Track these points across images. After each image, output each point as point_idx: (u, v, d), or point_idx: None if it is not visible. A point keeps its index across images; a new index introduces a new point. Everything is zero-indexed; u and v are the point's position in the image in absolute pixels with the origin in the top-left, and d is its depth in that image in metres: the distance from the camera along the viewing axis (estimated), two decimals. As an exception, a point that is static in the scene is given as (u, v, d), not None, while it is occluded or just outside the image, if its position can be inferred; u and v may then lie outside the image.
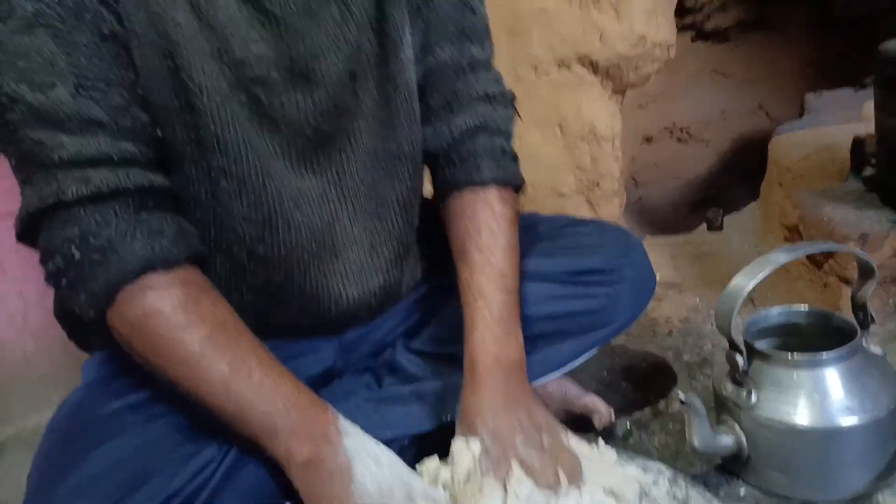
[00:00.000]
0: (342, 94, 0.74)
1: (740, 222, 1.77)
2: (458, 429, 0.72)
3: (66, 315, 0.79)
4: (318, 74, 0.72)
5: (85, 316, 0.64)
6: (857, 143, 1.29)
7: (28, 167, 0.63)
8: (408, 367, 0.84)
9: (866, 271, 0.83)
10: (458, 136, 0.82)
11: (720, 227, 1.78)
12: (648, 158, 2.13)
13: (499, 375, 0.73)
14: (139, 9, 0.64)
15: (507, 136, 0.86)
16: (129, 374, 0.73)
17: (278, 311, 0.78)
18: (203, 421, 0.68)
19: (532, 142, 1.54)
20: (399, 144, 0.80)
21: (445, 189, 0.83)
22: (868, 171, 1.24)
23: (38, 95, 0.60)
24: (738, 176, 1.99)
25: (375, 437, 0.70)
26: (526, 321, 0.80)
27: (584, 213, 1.59)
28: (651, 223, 1.94)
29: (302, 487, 0.64)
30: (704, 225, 1.83)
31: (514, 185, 0.84)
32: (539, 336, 0.84)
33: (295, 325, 0.80)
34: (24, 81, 0.60)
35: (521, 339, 0.77)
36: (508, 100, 0.87)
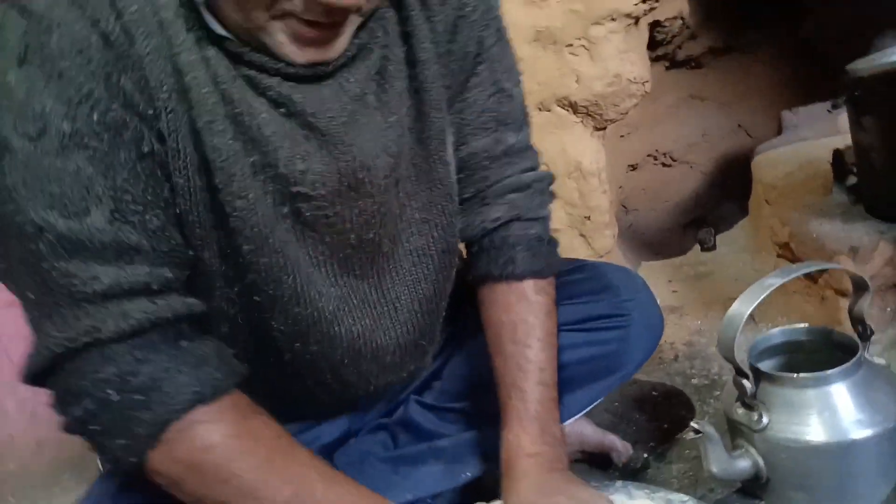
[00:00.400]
0: (387, 201, 0.72)
1: (733, 240, 1.80)
2: None
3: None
4: (366, 185, 0.69)
5: (123, 464, 0.59)
6: (838, 155, 1.32)
7: (51, 302, 0.56)
8: (423, 423, 0.85)
9: (860, 286, 0.85)
10: (493, 228, 0.80)
11: (713, 247, 1.81)
12: (636, 185, 2.17)
13: (535, 471, 0.73)
14: (180, 125, 0.60)
15: (543, 221, 0.84)
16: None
17: (304, 399, 0.79)
18: None
19: (521, 183, 1.57)
20: (444, 241, 0.78)
21: (479, 278, 0.81)
22: (851, 180, 1.27)
23: (72, 223, 0.55)
24: (724, 195, 2.03)
25: (396, 499, 0.70)
26: None
27: (578, 246, 1.61)
28: (645, 248, 1.97)
29: None
30: (698, 246, 1.86)
31: (551, 273, 0.83)
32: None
33: (318, 409, 0.82)
34: (56, 208, 0.54)
35: (557, 432, 0.76)
36: (545, 183, 0.84)
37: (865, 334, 0.85)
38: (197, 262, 0.64)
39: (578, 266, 0.97)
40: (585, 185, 1.53)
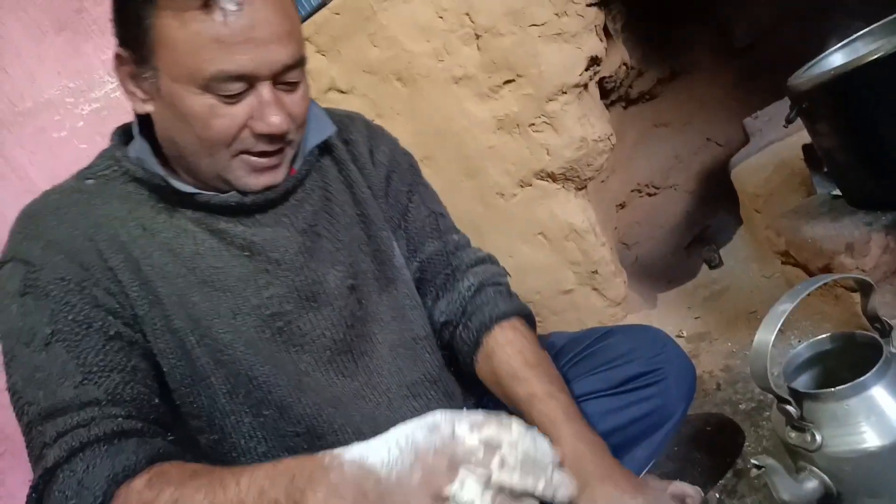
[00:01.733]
0: (347, 305, 0.88)
1: (736, 252, 1.83)
2: None
3: None
4: (322, 295, 0.87)
5: None
6: (808, 149, 1.37)
7: (35, 454, 0.73)
8: None
9: (865, 288, 0.89)
10: (470, 295, 0.96)
11: (720, 263, 1.84)
12: (629, 220, 2.22)
13: (607, 455, 0.80)
14: (154, 306, 0.80)
15: (507, 285, 0.99)
16: None
17: None
18: None
19: (524, 254, 1.62)
20: (413, 331, 0.93)
21: (473, 340, 0.93)
22: (826, 168, 1.31)
23: (49, 397, 0.73)
24: (715, 207, 2.08)
25: None
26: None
27: (595, 300, 1.65)
28: (655, 280, 2.00)
29: None
30: (705, 265, 1.89)
31: (529, 315, 0.97)
32: (613, 449, 0.87)
33: None
34: (41, 388, 0.73)
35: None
36: (496, 260, 1.02)
37: (885, 330, 0.88)
38: (198, 397, 0.81)
39: (600, 335, 1.04)
40: (584, 242, 1.59)
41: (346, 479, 0.62)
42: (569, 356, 1.04)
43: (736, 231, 1.92)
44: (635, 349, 0.99)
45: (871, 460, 0.81)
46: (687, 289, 1.84)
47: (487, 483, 0.60)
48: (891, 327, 0.89)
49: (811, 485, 0.84)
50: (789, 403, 0.84)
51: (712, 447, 1.15)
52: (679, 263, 2.05)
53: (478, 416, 0.63)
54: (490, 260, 1.02)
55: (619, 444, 0.91)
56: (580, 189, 1.56)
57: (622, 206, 2.16)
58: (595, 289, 1.62)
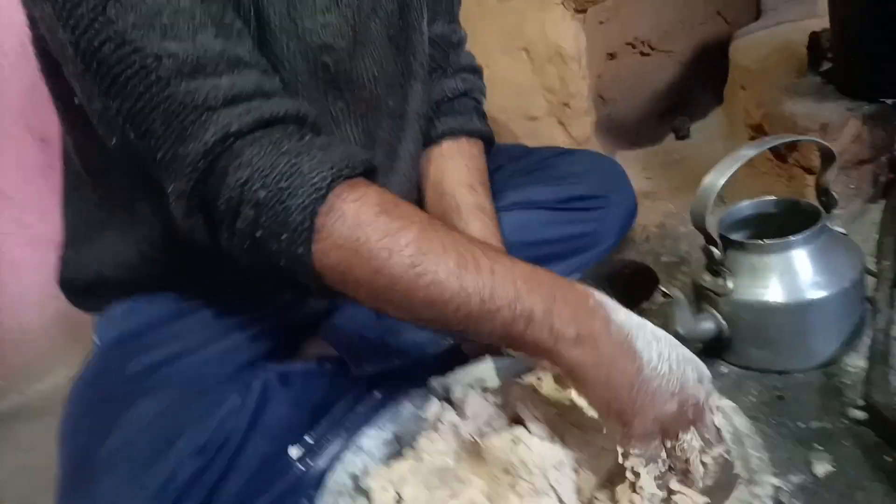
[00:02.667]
0: (386, 58, 0.81)
1: (706, 129, 1.81)
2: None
3: (70, 280, 0.82)
4: (371, 38, 0.78)
5: (298, 263, 0.59)
6: (814, 39, 1.32)
7: (179, 123, 0.59)
8: None
9: (827, 157, 0.88)
10: (450, 97, 0.95)
11: (688, 135, 1.83)
12: (613, 74, 2.15)
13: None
14: None
15: (483, 105, 1.00)
16: (147, 331, 0.76)
17: None
18: (225, 371, 0.72)
19: (501, 67, 1.55)
20: (426, 105, 0.90)
21: (435, 136, 0.94)
22: (825, 66, 1.29)
23: (186, 45, 0.58)
24: (701, 83, 2.03)
25: (383, 365, 0.78)
26: (523, 247, 0.86)
27: (558, 134, 1.62)
28: (621, 138, 1.98)
29: (578, 366, 0.56)
30: (672, 134, 1.87)
31: (492, 143, 0.99)
32: (535, 260, 0.86)
33: None
34: (168, 37, 0.58)
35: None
36: (482, 76, 1.02)
37: (829, 204, 0.89)
38: None
39: (560, 152, 1.08)
40: (566, 69, 1.52)
41: (610, 340, 0.56)
42: (524, 161, 1.06)
43: (713, 110, 1.89)
44: (589, 172, 1.02)
45: (769, 314, 0.85)
46: (648, 151, 1.83)
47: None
48: (836, 202, 0.89)
49: (708, 325, 0.88)
50: (715, 245, 0.86)
51: (624, 286, 1.16)
52: (648, 129, 2.02)
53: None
54: (479, 73, 1.01)
55: (544, 256, 0.91)
56: (580, 12, 1.47)
57: (612, 56, 2.08)
58: (562, 122, 1.58)
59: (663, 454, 0.55)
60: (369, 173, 0.63)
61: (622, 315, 0.57)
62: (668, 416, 0.55)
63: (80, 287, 0.83)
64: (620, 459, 0.56)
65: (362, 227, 0.58)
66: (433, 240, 0.58)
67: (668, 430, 0.56)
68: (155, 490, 0.62)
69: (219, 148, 0.58)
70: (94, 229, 0.79)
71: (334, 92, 0.76)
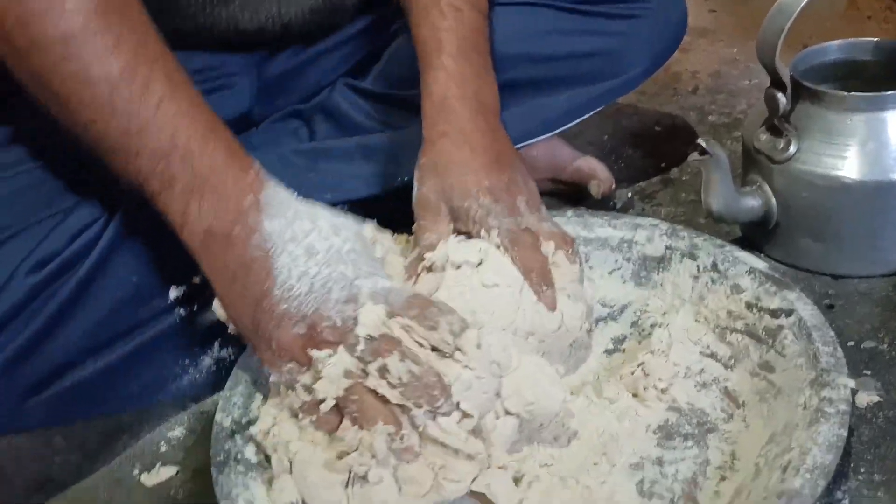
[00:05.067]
0: None
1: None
2: (416, 194, 0.58)
3: None
4: None
5: None
6: None
7: None
8: (350, 113, 0.70)
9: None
10: None
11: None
12: None
13: (469, 117, 0.57)
14: None
15: None
16: None
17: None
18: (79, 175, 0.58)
19: None
20: None
21: None
22: None
23: None
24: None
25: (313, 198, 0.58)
26: (512, 61, 0.69)
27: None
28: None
29: (202, 263, 0.51)
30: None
31: None
32: (529, 83, 0.73)
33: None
34: None
35: (495, 82, 0.61)
36: None
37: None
38: None
39: None
40: None
41: (242, 251, 0.49)
42: None
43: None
44: None
45: (838, 194, 0.68)
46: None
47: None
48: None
49: (751, 201, 0.72)
50: (783, 90, 0.65)
51: (651, 148, 0.98)
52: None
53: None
54: None
55: (543, 78, 0.73)
56: None
57: None
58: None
59: (304, 378, 0.49)
60: None
61: (277, 224, 0.50)
62: (291, 340, 0.49)
63: None
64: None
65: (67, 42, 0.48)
66: (111, 28, 0.49)
67: (297, 355, 0.49)
68: None
69: None
70: None
71: None
